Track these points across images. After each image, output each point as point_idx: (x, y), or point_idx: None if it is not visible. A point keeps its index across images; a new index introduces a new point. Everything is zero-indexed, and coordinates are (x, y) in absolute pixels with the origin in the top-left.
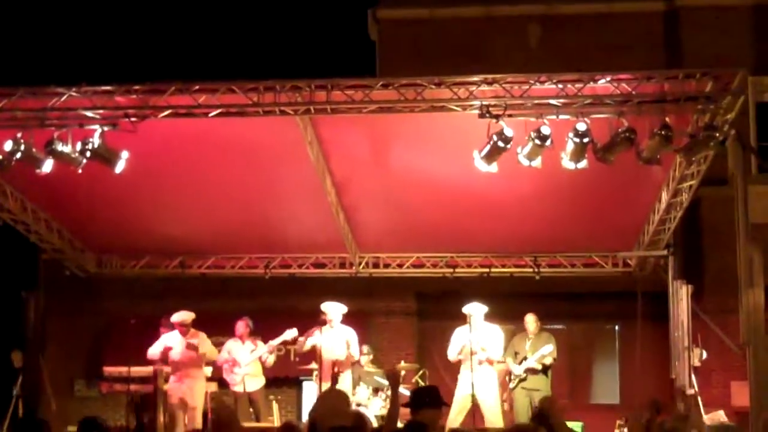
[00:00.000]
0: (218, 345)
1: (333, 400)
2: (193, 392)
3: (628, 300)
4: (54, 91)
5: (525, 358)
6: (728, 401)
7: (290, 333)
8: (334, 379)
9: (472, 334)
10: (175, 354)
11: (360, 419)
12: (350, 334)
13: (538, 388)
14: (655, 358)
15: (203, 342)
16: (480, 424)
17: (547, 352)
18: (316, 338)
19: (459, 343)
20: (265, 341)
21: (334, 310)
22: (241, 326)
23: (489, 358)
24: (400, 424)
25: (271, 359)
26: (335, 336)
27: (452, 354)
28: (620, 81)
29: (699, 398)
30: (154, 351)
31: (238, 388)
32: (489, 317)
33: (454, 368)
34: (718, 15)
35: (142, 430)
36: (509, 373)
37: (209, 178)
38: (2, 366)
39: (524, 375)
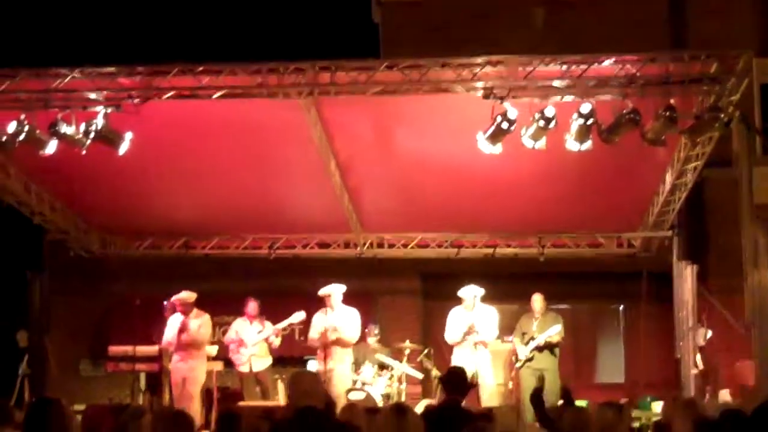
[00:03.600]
0: (223, 325)
1: (306, 383)
2: (194, 372)
3: (632, 280)
4: (57, 73)
5: (532, 338)
6: (733, 381)
7: (298, 316)
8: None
9: (468, 315)
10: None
11: (330, 402)
12: (350, 316)
13: (546, 367)
14: (660, 338)
15: (204, 324)
16: (477, 404)
17: (555, 332)
18: (318, 322)
19: (457, 325)
20: (270, 321)
21: (332, 291)
22: (253, 307)
23: (483, 340)
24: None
25: (277, 341)
26: (336, 318)
27: (452, 337)
28: (625, 62)
29: (703, 378)
30: (166, 337)
31: (244, 368)
32: (493, 298)
33: None
34: None
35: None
36: (515, 353)
37: (213, 160)
38: (8, 346)
39: (531, 355)
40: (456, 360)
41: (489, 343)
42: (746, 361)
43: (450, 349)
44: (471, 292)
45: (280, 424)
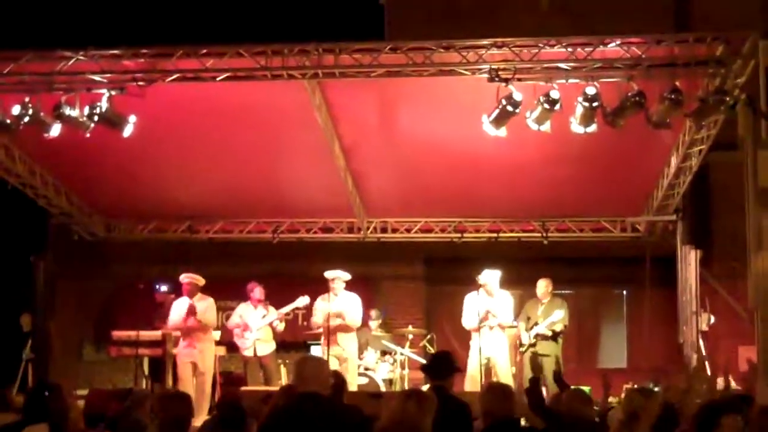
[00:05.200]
0: (226, 310)
1: (309, 368)
2: (204, 356)
3: (636, 265)
4: (61, 55)
5: (536, 324)
6: (735, 366)
7: (302, 300)
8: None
9: (485, 300)
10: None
11: (339, 383)
12: (352, 302)
13: (548, 353)
14: (663, 322)
15: (210, 308)
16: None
17: (557, 318)
18: (321, 308)
19: (474, 310)
20: (273, 306)
21: (338, 276)
22: (258, 291)
23: (500, 324)
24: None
25: (281, 326)
26: (339, 304)
27: (470, 322)
28: (630, 45)
29: (707, 363)
30: (173, 321)
31: (248, 353)
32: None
33: (462, 333)
34: None
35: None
36: (520, 337)
37: (217, 143)
38: (12, 329)
39: (534, 341)
40: (474, 345)
41: (506, 327)
42: (749, 347)
43: (455, 332)
44: (492, 277)
45: (280, 409)
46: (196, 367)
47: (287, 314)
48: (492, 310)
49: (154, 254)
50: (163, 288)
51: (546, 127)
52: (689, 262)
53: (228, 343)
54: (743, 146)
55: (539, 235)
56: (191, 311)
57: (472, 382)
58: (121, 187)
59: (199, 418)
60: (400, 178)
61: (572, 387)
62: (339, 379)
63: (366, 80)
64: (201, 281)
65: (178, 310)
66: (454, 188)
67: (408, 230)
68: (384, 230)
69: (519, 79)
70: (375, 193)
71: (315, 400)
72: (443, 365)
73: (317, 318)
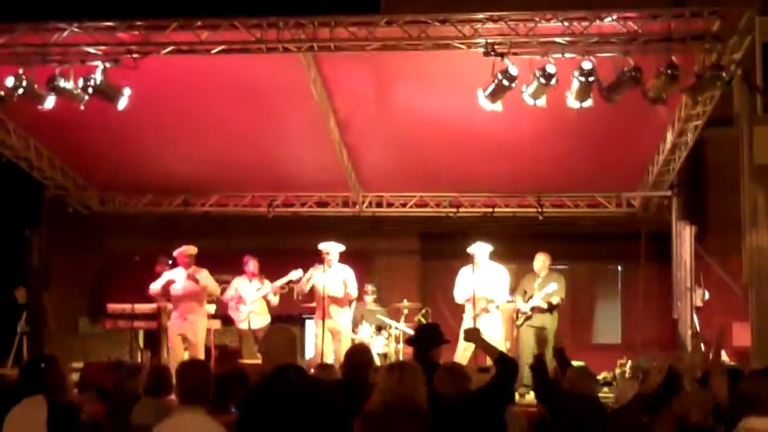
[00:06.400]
0: (221, 283)
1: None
2: (194, 328)
3: (631, 240)
4: (55, 27)
5: (532, 297)
6: (729, 342)
7: (295, 273)
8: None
9: (476, 274)
10: (177, 288)
11: (363, 360)
12: (347, 273)
13: (544, 326)
14: (658, 298)
15: (206, 277)
16: (483, 363)
17: (551, 290)
18: (315, 278)
19: (465, 284)
20: (268, 279)
21: (332, 249)
22: (253, 265)
23: (489, 301)
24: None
25: (275, 299)
26: (333, 275)
27: (460, 296)
28: (626, 19)
29: (701, 338)
30: (155, 286)
31: (242, 326)
32: (492, 257)
33: (457, 307)
34: None
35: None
36: (517, 311)
37: (212, 116)
38: (6, 303)
39: (530, 313)
40: (466, 320)
41: (495, 302)
42: (743, 323)
43: (449, 307)
44: (481, 250)
45: (261, 384)
46: (187, 339)
47: (282, 287)
48: (484, 285)
49: (149, 228)
50: (167, 261)
51: (542, 101)
52: (684, 238)
53: (223, 316)
54: (738, 122)
55: (534, 210)
56: (192, 279)
57: (459, 357)
58: (116, 160)
59: None
60: (395, 152)
61: (573, 363)
62: (364, 357)
63: (361, 54)
64: (194, 250)
65: (177, 278)
66: (450, 163)
67: (403, 205)
68: (379, 205)
69: (515, 53)
70: (370, 167)
71: (296, 372)
72: (429, 336)
73: (305, 284)
